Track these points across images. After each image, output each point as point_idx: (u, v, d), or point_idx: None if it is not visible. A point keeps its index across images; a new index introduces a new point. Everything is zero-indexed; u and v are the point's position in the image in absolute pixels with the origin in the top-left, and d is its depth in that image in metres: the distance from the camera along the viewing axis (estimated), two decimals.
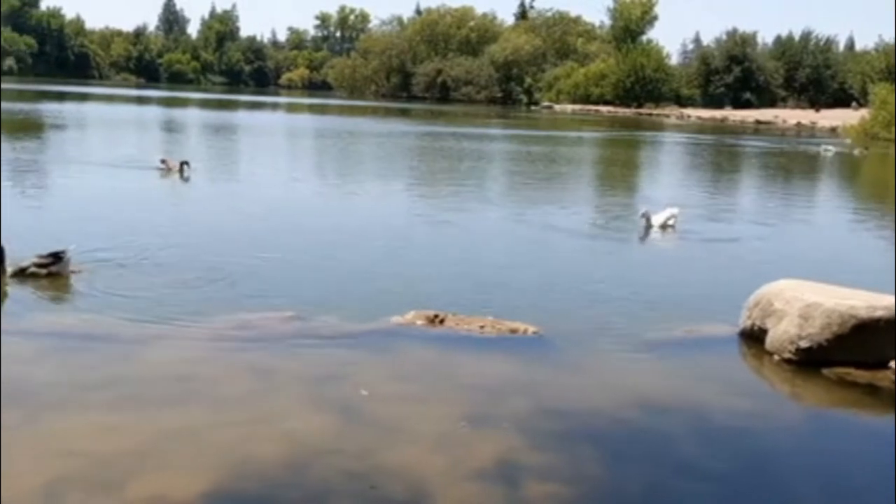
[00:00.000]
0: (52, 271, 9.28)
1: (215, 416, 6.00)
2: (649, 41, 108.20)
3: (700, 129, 64.49)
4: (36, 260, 9.30)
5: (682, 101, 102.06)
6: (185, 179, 18.51)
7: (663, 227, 14.40)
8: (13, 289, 8.91)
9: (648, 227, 14.33)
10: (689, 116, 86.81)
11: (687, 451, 5.90)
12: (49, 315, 8.01)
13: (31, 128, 35.47)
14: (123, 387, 6.43)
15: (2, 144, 22.33)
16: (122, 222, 13.12)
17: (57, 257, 9.36)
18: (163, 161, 19.38)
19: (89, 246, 10.76)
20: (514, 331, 8.03)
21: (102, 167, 20.57)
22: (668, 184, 26.15)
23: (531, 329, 8.06)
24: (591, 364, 7.53)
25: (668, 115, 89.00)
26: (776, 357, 7.75)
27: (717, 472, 5.61)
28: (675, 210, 14.72)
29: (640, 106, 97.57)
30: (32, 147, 26.35)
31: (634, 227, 14.77)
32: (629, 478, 5.45)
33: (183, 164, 18.89)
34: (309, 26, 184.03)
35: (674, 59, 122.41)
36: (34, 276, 9.19)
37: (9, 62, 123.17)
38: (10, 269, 9.22)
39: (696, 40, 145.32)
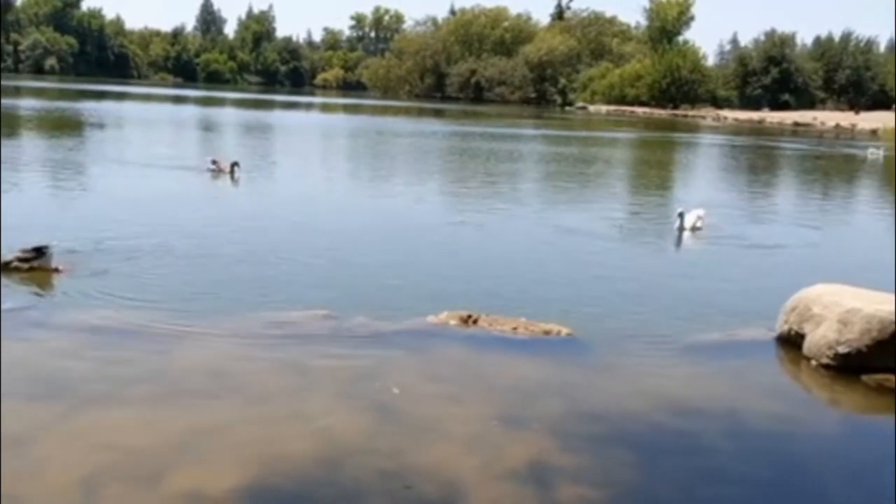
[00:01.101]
0: (34, 266, 9.43)
1: (250, 412, 6.06)
2: (685, 42, 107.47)
3: (737, 131, 63.78)
4: (19, 254, 9.46)
5: (718, 103, 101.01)
6: (235, 180, 18.69)
7: (692, 228, 14.30)
8: (47, 286, 9.06)
9: (682, 227, 14.19)
10: (725, 118, 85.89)
11: (722, 456, 5.84)
12: (86, 311, 8.11)
13: (85, 127, 36.12)
14: (160, 382, 6.51)
15: (38, 143, 22.74)
16: (171, 221, 13.33)
17: (40, 252, 9.52)
18: (213, 162, 19.53)
19: (132, 243, 11.04)
20: (547, 332, 8.01)
21: (155, 169, 20.72)
22: (702, 186, 25.92)
23: (564, 331, 8.04)
24: (625, 367, 7.48)
25: (703, 117, 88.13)
26: (814, 362, 7.65)
27: (752, 477, 5.54)
28: (700, 211, 14.59)
29: (675, 107, 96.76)
30: (90, 147, 26.94)
31: (668, 228, 14.64)
32: (662, 482, 5.42)
33: (233, 165, 19.05)
34: (344, 27, 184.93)
35: (710, 60, 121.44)
36: (17, 269, 9.32)
37: (50, 62, 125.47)
38: None
39: (734, 41, 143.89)
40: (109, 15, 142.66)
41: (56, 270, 9.48)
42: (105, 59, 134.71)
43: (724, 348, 8.09)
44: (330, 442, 5.61)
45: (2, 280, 8.96)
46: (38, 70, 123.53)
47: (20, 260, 9.41)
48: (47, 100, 55.76)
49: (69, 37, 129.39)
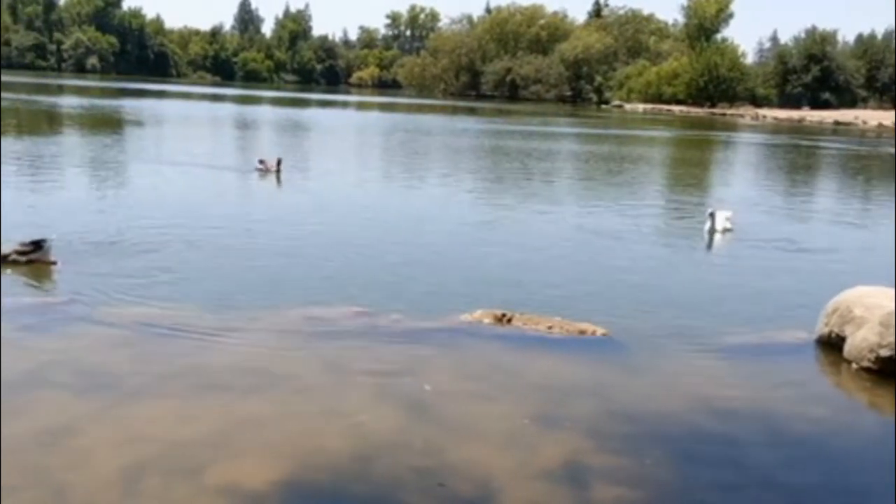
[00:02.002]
0: (31, 259, 9.58)
1: (286, 407, 6.13)
2: (724, 39, 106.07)
3: (776, 130, 62.90)
4: (18, 247, 9.61)
5: (757, 101, 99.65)
6: (280, 180, 18.80)
7: (722, 230, 14.03)
8: (85, 279, 9.23)
9: (713, 229, 13.95)
10: (764, 117, 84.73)
11: (759, 459, 5.77)
12: (127, 306, 8.26)
13: (130, 125, 36.71)
14: (199, 376, 6.61)
15: (81, 140, 23.07)
16: (214, 218, 13.55)
17: (38, 245, 9.68)
18: (261, 162, 19.65)
19: (174, 239, 11.26)
20: (582, 332, 7.99)
21: (202, 168, 20.86)
22: (739, 184, 25.63)
23: (600, 330, 8.01)
24: (662, 367, 7.43)
25: (742, 116, 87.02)
26: (854, 365, 7.53)
27: (790, 481, 5.48)
28: (728, 213, 14.32)
29: (713, 106, 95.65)
30: (136, 146, 27.38)
31: (702, 229, 14.43)
32: (699, 484, 5.38)
33: (279, 162, 19.16)
34: (380, 25, 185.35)
35: (749, 58, 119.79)
36: (15, 262, 9.47)
37: (92, 60, 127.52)
38: None
39: (773, 38, 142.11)
40: (150, 14, 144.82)
41: (53, 263, 9.62)
42: (145, 57, 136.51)
43: (763, 350, 8.00)
44: (364, 438, 5.65)
45: (1, 272, 9.14)
46: (81, 69, 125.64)
47: (18, 253, 9.57)
48: (89, 98, 56.66)
49: (110, 36, 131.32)
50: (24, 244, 9.64)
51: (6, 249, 9.58)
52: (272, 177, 18.89)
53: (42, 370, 6.52)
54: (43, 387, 6.21)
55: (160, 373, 6.59)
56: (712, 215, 14.03)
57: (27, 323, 7.57)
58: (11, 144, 24.71)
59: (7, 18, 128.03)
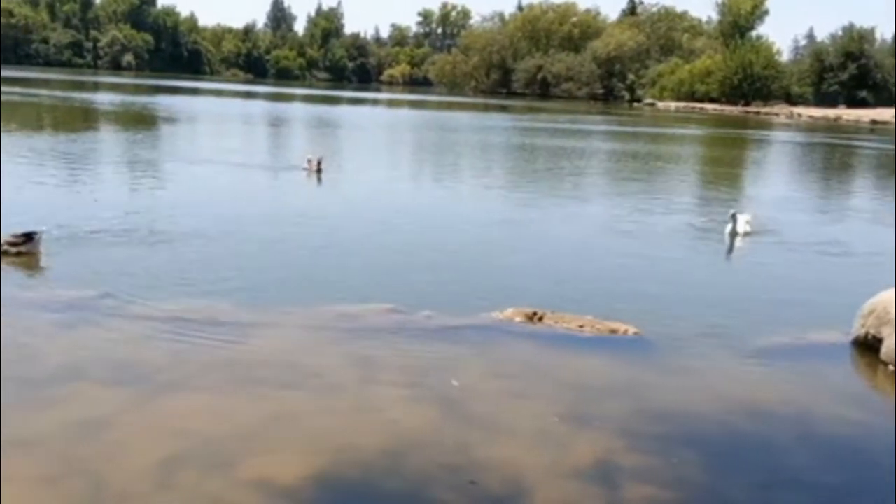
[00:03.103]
0: (22, 250, 9.71)
1: (318, 402, 6.18)
2: (759, 37, 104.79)
3: (811, 129, 62.06)
4: (10, 239, 9.74)
5: (792, 100, 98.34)
6: (320, 179, 18.85)
7: (743, 233, 13.63)
8: (121, 273, 9.36)
9: (735, 231, 13.52)
10: (799, 115, 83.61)
11: (793, 461, 5.72)
12: (162, 300, 8.36)
13: (175, 122, 37.16)
14: (232, 371, 6.69)
15: (120, 137, 23.34)
16: (253, 216, 13.68)
17: (29, 237, 9.81)
18: (309, 161, 19.70)
19: (212, 236, 11.40)
20: (613, 331, 7.95)
21: (246, 168, 20.91)
22: (772, 184, 25.33)
23: (631, 330, 7.97)
24: (694, 367, 7.38)
25: (776, 114, 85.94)
26: (891, 367, 7.42)
27: (824, 483, 5.43)
28: (747, 216, 13.93)
29: (747, 104, 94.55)
30: (178, 145, 27.63)
31: (724, 231, 14.04)
32: (732, 485, 5.33)
33: (319, 161, 19.23)
34: (411, 23, 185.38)
35: (785, 56, 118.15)
36: (6, 253, 9.61)
37: (127, 58, 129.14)
38: None
39: (810, 36, 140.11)
40: (184, 12, 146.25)
41: (39, 254, 9.81)
42: (179, 55, 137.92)
43: (797, 351, 7.91)
44: (396, 434, 5.68)
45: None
46: (116, 66, 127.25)
47: (10, 244, 9.71)
48: (124, 95, 57.38)
49: (145, 34, 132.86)
50: (15, 236, 9.79)
51: None
52: (314, 175, 18.96)
53: (79, 363, 6.63)
54: (79, 379, 6.32)
55: (194, 367, 6.67)
56: (734, 217, 13.67)
57: (64, 317, 7.69)
58: (47, 141, 25.14)
59: (45, 16, 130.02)
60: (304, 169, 19.37)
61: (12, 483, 4.74)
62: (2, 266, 9.28)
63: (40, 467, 4.94)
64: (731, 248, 13.28)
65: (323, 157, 19.48)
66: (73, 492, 4.72)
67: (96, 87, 69.49)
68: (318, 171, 18.97)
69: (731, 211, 13.90)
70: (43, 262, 9.74)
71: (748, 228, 13.74)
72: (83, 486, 4.78)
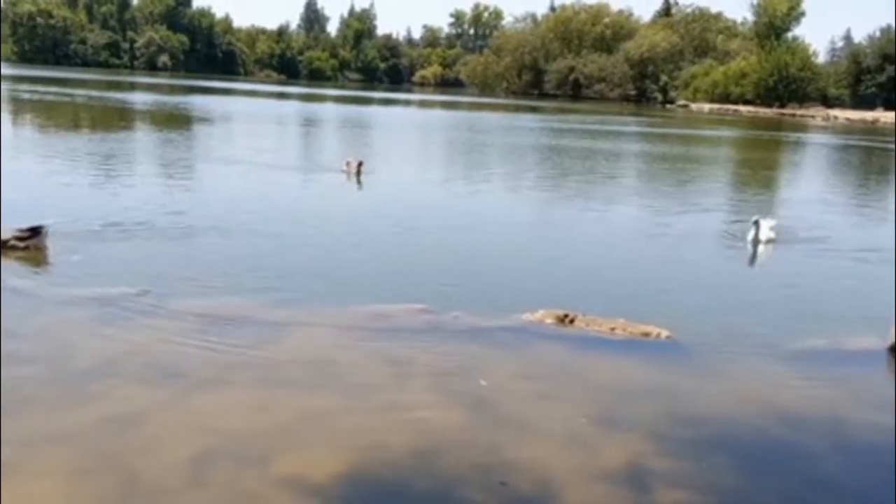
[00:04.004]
0: (29, 245, 9.85)
1: (350, 401, 6.20)
2: (795, 38, 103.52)
3: (847, 131, 61.16)
4: (16, 233, 9.87)
5: (828, 102, 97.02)
6: (360, 181, 18.80)
7: (766, 240, 13.14)
8: (158, 270, 9.49)
9: (757, 238, 13.09)
10: (835, 118, 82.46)
11: (826, 468, 5.65)
12: (198, 298, 8.46)
13: (210, 124, 37.57)
14: (265, 368, 6.74)
15: (158, 137, 23.58)
16: (291, 217, 13.76)
17: (35, 231, 9.93)
18: (347, 164, 19.69)
19: (248, 235, 11.49)
20: (646, 334, 7.90)
21: (283, 170, 21.00)
22: (806, 188, 24.99)
23: (664, 333, 7.91)
24: (728, 371, 7.30)
25: (812, 116, 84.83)
26: None
27: (858, 491, 5.35)
28: (772, 222, 13.49)
29: (782, 106, 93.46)
30: (223, 145, 27.90)
31: (746, 237, 13.62)
32: (764, 490, 5.27)
33: (360, 164, 19.17)
34: (443, 24, 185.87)
35: (821, 58, 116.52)
36: (14, 248, 9.75)
37: (163, 58, 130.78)
38: None
39: (847, 37, 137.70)
40: (219, 13, 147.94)
41: (46, 249, 9.96)
42: (214, 56, 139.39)
43: (832, 357, 7.80)
44: (426, 434, 5.69)
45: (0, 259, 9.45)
46: (152, 66, 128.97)
47: (17, 239, 9.85)
48: (159, 94, 58.09)
49: (181, 34, 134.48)
50: (22, 230, 9.92)
51: (5, 235, 9.86)
52: (353, 178, 18.92)
53: (114, 359, 6.71)
54: (115, 375, 6.40)
55: (227, 364, 6.74)
56: (757, 223, 13.16)
57: (101, 313, 7.80)
58: (82, 140, 25.55)
59: (83, 17, 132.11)
60: (343, 171, 19.40)
61: (49, 476, 4.83)
62: (10, 261, 9.47)
63: (76, 461, 5.02)
64: (753, 256, 12.88)
65: (363, 159, 19.42)
66: (108, 486, 4.79)
67: (132, 87, 70.45)
68: (359, 173, 18.94)
69: (754, 217, 13.44)
70: (51, 257, 9.89)
71: (772, 235, 13.27)
72: (117, 481, 4.85)
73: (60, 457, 5.05)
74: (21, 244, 9.87)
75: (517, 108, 71.35)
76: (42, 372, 6.34)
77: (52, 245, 10.10)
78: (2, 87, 44.20)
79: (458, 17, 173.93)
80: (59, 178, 16.63)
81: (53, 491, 4.69)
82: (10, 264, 9.43)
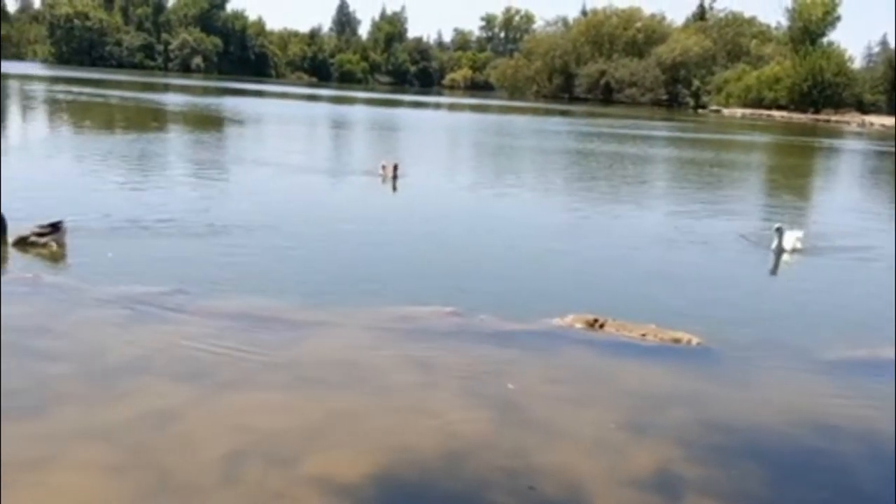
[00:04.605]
0: (49, 241, 9.97)
1: (378, 402, 6.23)
2: (830, 43, 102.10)
3: (883, 138, 60.24)
4: (36, 229, 9.99)
5: (864, 108, 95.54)
6: (395, 185, 18.79)
7: (791, 251, 12.79)
8: (190, 270, 9.59)
9: (780, 248, 12.75)
10: (871, 124, 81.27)
11: (862, 480, 5.56)
12: (227, 297, 8.54)
13: (252, 125, 37.94)
14: (294, 368, 6.79)
15: (194, 138, 23.81)
16: (323, 219, 13.88)
17: (55, 227, 10.05)
18: (383, 167, 19.67)
19: (281, 236, 11.56)
20: (676, 340, 7.84)
21: (319, 173, 21.05)
22: (838, 194, 24.65)
23: (695, 340, 7.84)
24: (760, 380, 7.22)
25: (847, 122, 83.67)
26: None
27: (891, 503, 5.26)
28: (799, 233, 13.13)
29: (817, 112, 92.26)
30: (258, 148, 28.12)
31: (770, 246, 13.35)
32: (794, 500, 5.21)
33: (395, 167, 19.14)
34: (474, 27, 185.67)
35: (857, 63, 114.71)
36: (34, 244, 9.90)
37: (197, 60, 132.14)
38: (11, 238, 9.96)
39: (883, 42, 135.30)
40: (252, 16, 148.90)
41: (65, 244, 10.12)
42: (246, 58, 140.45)
43: (866, 366, 7.70)
44: (454, 437, 5.69)
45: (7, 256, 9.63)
46: (186, 68, 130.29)
47: (37, 235, 9.99)
48: (192, 96, 58.70)
49: (214, 37, 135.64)
50: (41, 226, 10.06)
51: (25, 232, 10.02)
52: (389, 181, 18.87)
53: (146, 357, 6.80)
54: (147, 373, 6.48)
55: (257, 364, 6.79)
56: (779, 231, 12.78)
57: (133, 310, 7.90)
58: (114, 140, 25.89)
59: (119, 19, 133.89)
60: (379, 175, 19.41)
61: (83, 472, 4.90)
62: (33, 256, 9.68)
63: (109, 457, 5.08)
64: (776, 265, 12.56)
65: (398, 163, 19.37)
66: (141, 482, 4.85)
67: (166, 88, 71.27)
68: (394, 177, 18.91)
69: (776, 225, 13.09)
70: (69, 254, 10.04)
71: (799, 245, 12.94)
72: (150, 477, 4.90)
73: (94, 453, 5.12)
74: (41, 240, 10.02)
75: (547, 112, 71.17)
76: (76, 369, 6.44)
77: (70, 241, 10.28)
78: (5, 86, 44.92)
79: (488, 21, 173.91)
80: (92, 178, 16.88)
81: (88, 486, 4.76)
82: (36, 260, 9.64)
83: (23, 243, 9.98)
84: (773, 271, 12.46)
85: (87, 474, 4.87)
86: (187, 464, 5.07)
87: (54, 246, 10.04)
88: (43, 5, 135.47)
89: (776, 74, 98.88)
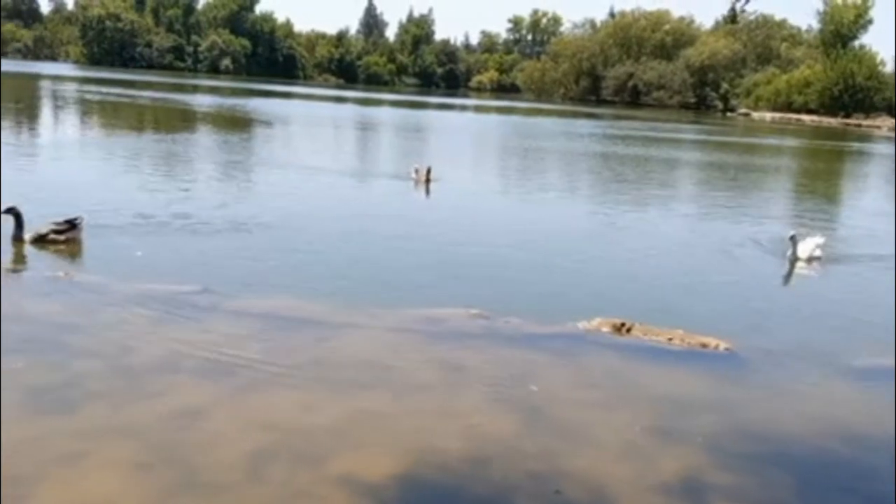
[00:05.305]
0: (68, 237, 10.10)
1: (404, 403, 6.24)
2: (862, 46, 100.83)
3: None
4: (53, 227, 10.08)
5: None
6: (428, 189, 18.69)
7: (809, 259, 12.46)
8: (218, 270, 9.67)
9: (795, 256, 12.44)
10: None
11: (890, 489, 5.47)
12: (258, 296, 8.62)
13: (284, 126, 38.21)
14: (321, 368, 6.82)
15: (221, 138, 23.95)
16: (354, 219, 13.95)
17: (72, 224, 10.15)
18: (416, 170, 19.62)
19: (312, 238, 11.59)
20: (704, 345, 7.77)
21: (358, 177, 21.12)
22: (867, 200, 24.31)
23: (723, 345, 7.77)
24: (789, 387, 7.14)
25: (878, 127, 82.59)
26: None
27: None
28: (820, 240, 12.81)
29: (847, 116, 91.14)
30: (293, 151, 28.30)
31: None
32: None
33: (428, 170, 19.04)
34: (501, 30, 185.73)
35: (889, 67, 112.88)
36: (53, 241, 10.01)
37: (225, 62, 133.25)
38: (28, 236, 10.06)
39: None
40: (280, 18, 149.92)
41: (82, 241, 10.28)
42: (275, 60, 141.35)
43: (893, 374, 7.56)
44: (479, 439, 5.69)
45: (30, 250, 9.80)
46: (215, 70, 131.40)
47: (55, 232, 10.09)
48: (222, 97, 59.16)
49: (243, 39, 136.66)
50: (58, 223, 10.17)
51: (43, 229, 10.13)
52: (422, 185, 18.78)
53: (175, 355, 6.85)
54: (175, 372, 6.54)
55: (284, 363, 6.82)
56: (793, 239, 12.45)
57: (162, 309, 7.97)
58: (146, 141, 26.16)
59: (150, 21, 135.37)
60: (412, 178, 19.38)
61: (111, 468, 4.95)
62: (51, 253, 9.85)
63: (138, 454, 5.13)
64: (789, 274, 12.22)
65: (431, 166, 19.24)
66: (168, 479, 4.89)
67: (195, 89, 71.92)
68: (427, 180, 18.84)
69: (791, 233, 12.75)
70: (85, 250, 10.20)
71: (818, 253, 12.62)
72: (177, 475, 4.94)
73: (123, 450, 5.17)
74: (60, 237, 10.14)
75: (574, 114, 70.93)
76: (106, 366, 6.51)
77: (98, 239, 10.45)
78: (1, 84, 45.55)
79: (516, 23, 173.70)
80: (121, 177, 17.08)
81: (117, 482, 4.81)
82: (54, 257, 9.78)
83: (41, 240, 10.10)
84: (787, 280, 12.18)
85: (115, 470, 4.92)
86: (214, 461, 5.11)
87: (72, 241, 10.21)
88: (76, 7, 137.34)
89: (806, 78, 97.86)
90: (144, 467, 4.99)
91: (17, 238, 10.05)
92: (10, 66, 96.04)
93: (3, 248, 9.84)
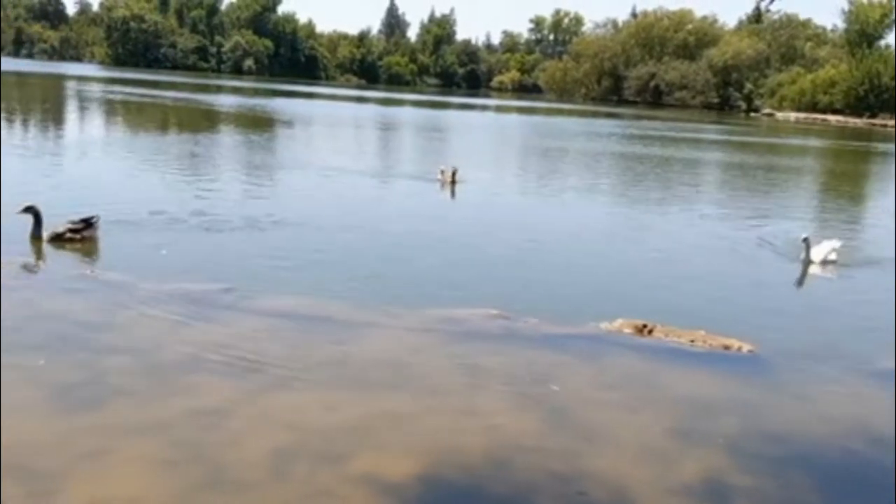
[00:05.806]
0: (84, 236, 10.20)
1: (425, 403, 6.26)
2: (887, 46, 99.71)
3: None
4: (70, 226, 10.18)
5: None
6: (453, 191, 18.58)
7: (824, 262, 12.26)
8: (241, 269, 9.74)
9: (808, 259, 12.21)
10: None
11: None
12: (280, 296, 8.65)
13: (306, 127, 38.41)
14: (342, 367, 6.86)
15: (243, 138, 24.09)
16: (378, 220, 14.03)
17: (88, 223, 10.24)
18: (442, 172, 19.54)
19: (336, 239, 11.65)
20: (727, 347, 7.74)
21: (384, 178, 21.07)
22: (888, 199, 24.02)
23: (746, 347, 7.73)
24: (813, 389, 7.10)
25: None
26: None
27: None
28: (835, 243, 12.62)
29: (873, 116, 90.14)
30: (318, 152, 28.40)
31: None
32: None
33: (454, 172, 18.93)
34: (523, 30, 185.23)
35: None
36: (70, 240, 10.12)
37: (248, 62, 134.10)
38: (46, 234, 10.15)
39: None
40: (302, 19, 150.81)
41: (98, 239, 10.39)
42: (297, 60, 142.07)
43: None
44: (501, 439, 5.70)
45: (48, 249, 9.90)
46: (238, 70, 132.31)
47: (72, 231, 10.20)
48: (246, 97, 59.55)
49: (266, 39, 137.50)
50: (74, 222, 10.28)
51: (60, 228, 10.24)
52: (447, 186, 18.69)
53: (199, 354, 6.91)
54: (200, 370, 6.60)
55: (307, 363, 6.87)
56: (806, 241, 12.22)
57: (187, 307, 8.05)
58: (170, 141, 26.39)
59: (174, 22, 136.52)
60: (438, 179, 19.33)
61: (136, 465, 5.01)
62: (68, 252, 9.96)
63: (163, 451, 5.19)
64: (802, 277, 12.02)
65: (457, 168, 19.12)
66: (193, 476, 4.94)
67: (218, 89, 72.43)
68: (453, 182, 18.74)
69: (804, 235, 12.51)
70: (101, 248, 10.31)
71: (833, 257, 12.39)
72: (201, 472, 4.99)
73: (149, 447, 5.23)
74: (77, 236, 10.27)
75: (595, 114, 70.70)
76: (132, 364, 6.58)
77: (102, 236, 10.57)
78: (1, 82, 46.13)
79: (538, 23, 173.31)
80: (144, 176, 17.24)
81: (143, 479, 4.87)
82: (71, 256, 9.91)
83: (58, 239, 10.21)
84: (800, 283, 11.99)
85: (141, 467, 4.98)
86: (238, 459, 5.16)
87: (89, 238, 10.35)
88: (101, 8, 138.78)
89: (831, 78, 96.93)
90: (170, 464, 5.04)
91: (36, 236, 10.18)
92: (37, 66, 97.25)
93: (23, 246, 9.98)
